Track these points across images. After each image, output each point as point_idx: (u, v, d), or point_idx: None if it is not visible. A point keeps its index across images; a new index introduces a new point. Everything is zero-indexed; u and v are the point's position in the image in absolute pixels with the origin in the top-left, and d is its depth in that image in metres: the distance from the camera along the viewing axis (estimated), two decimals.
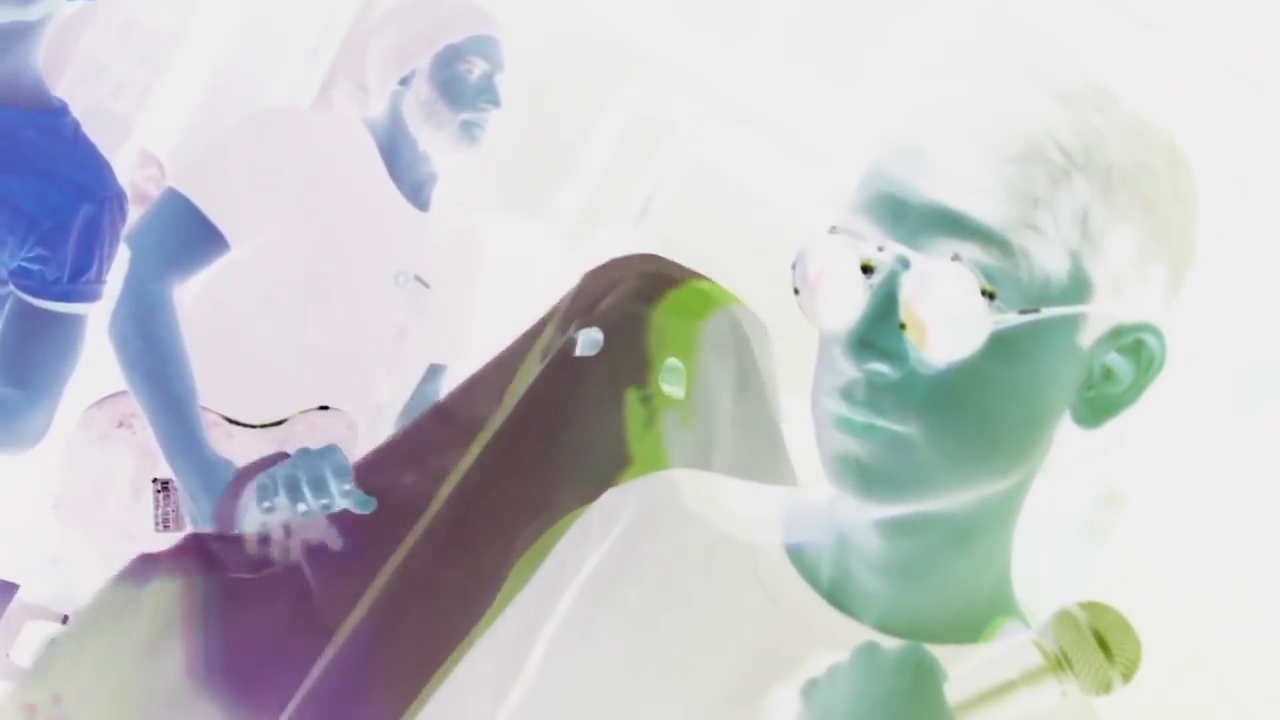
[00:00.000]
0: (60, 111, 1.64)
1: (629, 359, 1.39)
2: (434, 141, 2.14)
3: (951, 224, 0.76)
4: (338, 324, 2.08)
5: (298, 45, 3.58)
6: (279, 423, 2.04)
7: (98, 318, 1.76)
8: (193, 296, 2.05)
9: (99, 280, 1.68)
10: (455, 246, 2.25)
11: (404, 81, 2.13)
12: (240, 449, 2.02)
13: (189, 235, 1.99)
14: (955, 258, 0.75)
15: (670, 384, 1.39)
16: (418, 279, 2.16)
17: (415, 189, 2.19)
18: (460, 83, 2.12)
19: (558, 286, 1.49)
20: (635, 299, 1.43)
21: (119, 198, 1.66)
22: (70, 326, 1.69)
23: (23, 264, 1.62)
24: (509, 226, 2.97)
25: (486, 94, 2.13)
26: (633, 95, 4.37)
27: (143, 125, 2.91)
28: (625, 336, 1.40)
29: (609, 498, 1.00)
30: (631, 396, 1.39)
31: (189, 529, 1.99)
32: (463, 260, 2.28)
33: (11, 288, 1.65)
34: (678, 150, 5.11)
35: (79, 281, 1.66)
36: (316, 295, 2.06)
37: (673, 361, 1.40)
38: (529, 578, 1.02)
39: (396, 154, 2.16)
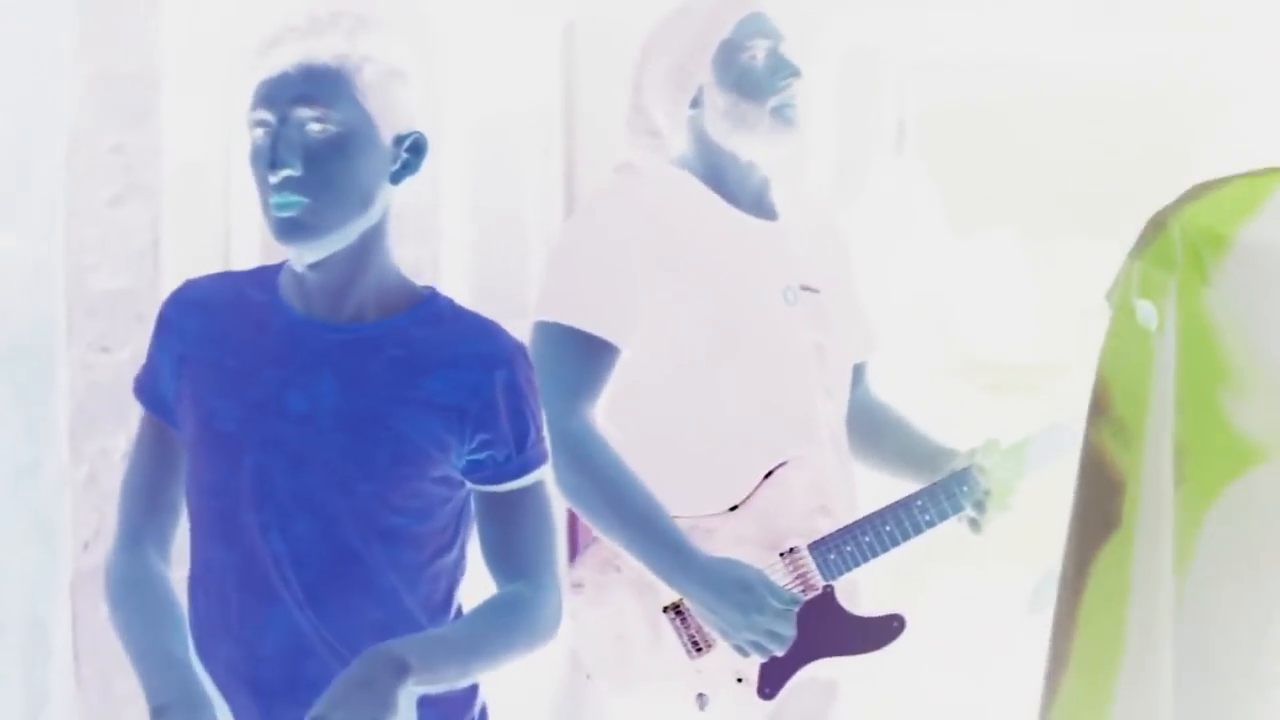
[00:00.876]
0: (432, 296, 1.54)
1: None
2: (753, 144, 1.96)
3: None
4: (756, 372, 1.91)
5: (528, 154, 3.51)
6: (748, 498, 1.88)
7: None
8: (605, 415, 1.92)
9: (541, 439, 1.55)
10: (819, 240, 2.05)
11: (695, 104, 1.96)
12: (725, 542, 1.88)
13: (579, 359, 1.86)
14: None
15: None
16: (804, 288, 1.97)
17: (756, 202, 2.02)
18: (751, 74, 1.95)
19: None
20: None
21: (520, 350, 1.54)
22: (539, 496, 1.57)
23: (470, 459, 1.51)
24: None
25: (781, 71, 1.95)
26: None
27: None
28: None
29: None
30: None
31: (722, 640, 1.85)
32: (834, 250, 2.08)
33: (470, 487, 1.54)
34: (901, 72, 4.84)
35: (526, 448, 1.53)
36: (722, 354, 1.89)
37: None
38: None
39: (722, 178, 1.99)
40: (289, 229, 1.42)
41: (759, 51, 1.94)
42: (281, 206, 1.41)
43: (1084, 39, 4.19)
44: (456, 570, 1.56)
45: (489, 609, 1.53)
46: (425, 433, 1.47)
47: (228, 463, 1.46)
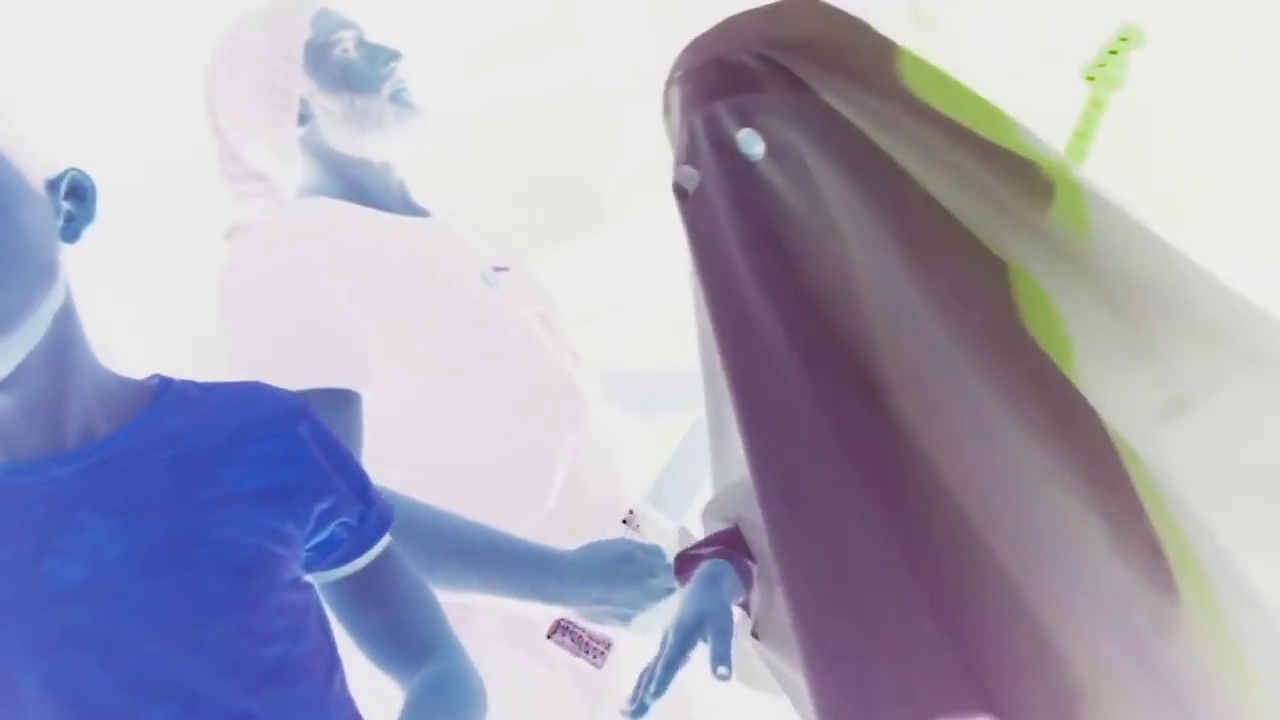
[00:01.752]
0: (165, 383, 1.17)
1: None
2: (383, 141, 1.71)
3: None
4: (499, 361, 1.66)
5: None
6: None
7: None
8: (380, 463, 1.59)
9: (374, 486, 1.23)
10: (470, 225, 1.84)
11: (303, 120, 1.69)
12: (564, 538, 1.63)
13: (335, 418, 1.51)
14: None
15: None
16: (496, 269, 1.75)
17: (405, 203, 1.77)
18: (354, 67, 1.71)
19: None
20: None
21: (303, 400, 1.20)
22: (398, 554, 1.24)
23: (315, 544, 1.16)
24: None
25: (380, 56, 1.73)
26: None
27: None
28: None
29: None
30: None
31: (613, 637, 1.63)
32: (486, 231, 1.87)
33: (319, 581, 1.19)
34: None
35: (372, 501, 1.21)
36: (458, 358, 1.63)
37: None
38: None
39: (364, 189, 1.72)
40: None
41: (348, 44, 1.71)
42: None
43: None
44: (345, 689, 1.21)
45: (433, 702, 1.19)
46: (256, 530, 1.11)
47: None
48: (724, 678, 1.18)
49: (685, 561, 1.35)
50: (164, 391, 1.16)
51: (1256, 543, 1.15)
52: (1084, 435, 1.15)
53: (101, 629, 1.03)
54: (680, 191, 1.26)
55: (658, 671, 1.19)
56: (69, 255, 1.10)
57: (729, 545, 1.33)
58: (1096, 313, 1.19)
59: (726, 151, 1.22)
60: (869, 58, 1.24)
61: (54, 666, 1.02)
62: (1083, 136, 2.10)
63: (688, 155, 1.25)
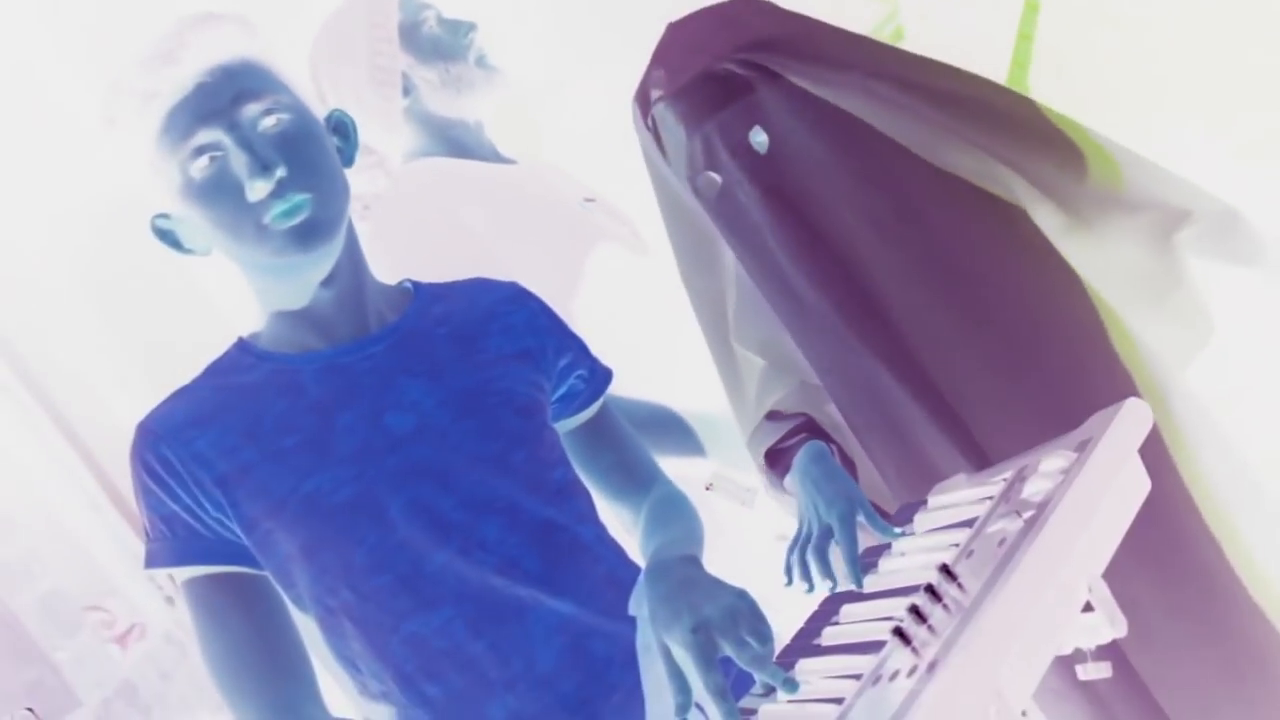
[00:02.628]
0: (416, 285, 1.44)
1: None
2: (475, 103, 1.95)
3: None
4: (608, 276, 1.91)
5: None
6: None
7: None
8: None
9: (589, 349, 1.48)
10: (544, 167, 2.08)
11: (406, 92, 1.92)
12: None
13: None
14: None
15: None
16: (586, 199, 2.00)
17: (496, 154, 2.01)
18: (440, 40, 1.94)
19: None
20: None
21: (518, 284, 1.47)
22: (612, 408, 1.49)
23: (561, 394, 1.43)
24: None
25: (460, 29, 1.96)
26: None
27: None
28: None
29: None
30: None
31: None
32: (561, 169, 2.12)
33: (563, 429, 1.43)
34: None
35: (593, 356, 1.46)
36: (579, 276, 1.87)
37: None
38: None
39: (466, 146, 1.96)
40: (306, 235, 1.24)
41: (432, 21, 1.95)
42: (290, 212, 1.22)
43: None
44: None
45: (671, 514, 1.42)
46: (526, 381, 1.35)
47: (372, 529, 1.24)
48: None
49: (776, 455, 1.55)
50: (419, 289, 1.41)
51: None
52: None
53: (438, 461, 1.27)
54: (701, 194, 1.48)
55: (847, 565, 1.34)
56: None
57: (809, 430, 1.54)
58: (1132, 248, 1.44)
59: (743, 152, 1.45)
60: (829, 42, 1.44)
61: (412, 493, 1.25)
62: (1025, 39, 2.38)
63: (706, 162, 1.47)
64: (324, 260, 1.28)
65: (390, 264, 1.81)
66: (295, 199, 1.22)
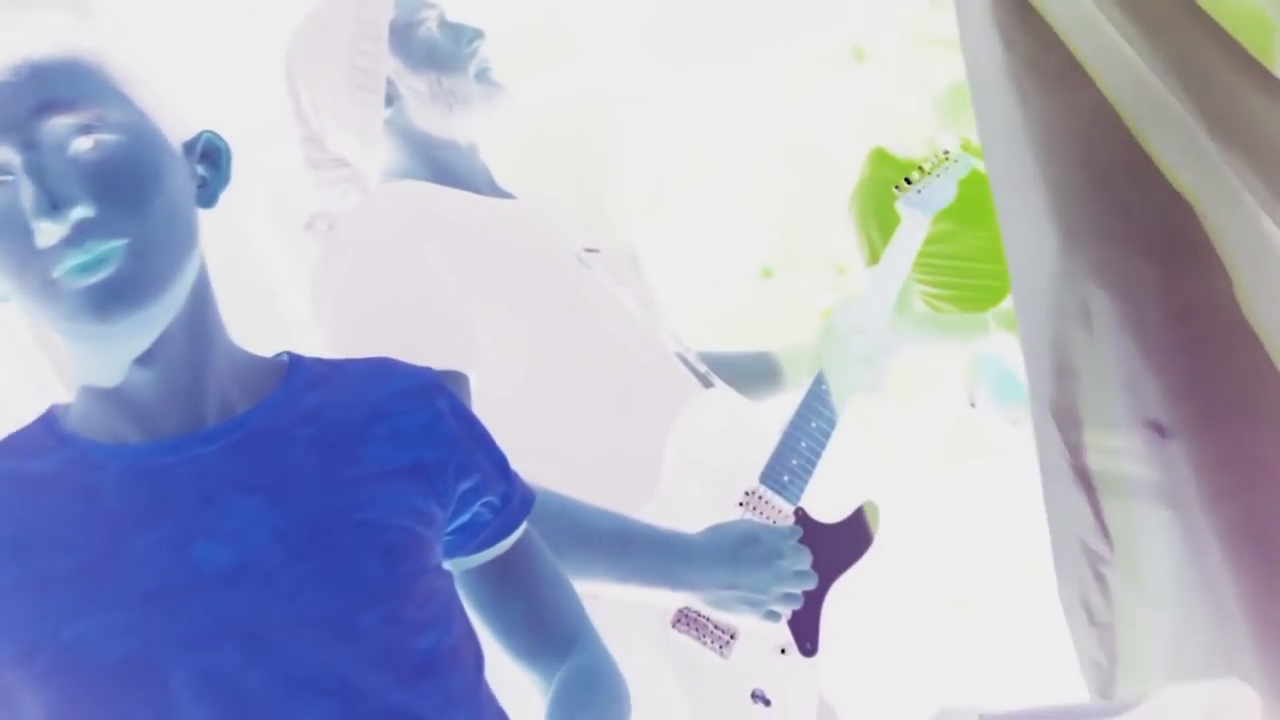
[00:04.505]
0: (295, 360, 1.10)
1: None
2: (469, 122, 1.64)
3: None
4: (597, 344, 1.58)
5: None
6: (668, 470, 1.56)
7: None
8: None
9: (512, 468, 1.14)
10: (553, 206, 1.76)
11: (390, 101, 1.61)
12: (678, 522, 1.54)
13: None
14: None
15: None
16: (588, 250, 1.67)
17: (491, 185, 1.70)
18: (439, 46, 1.63)
19: None
20: None
21: (439, 373, 1.13)
22: (538, 543, 1.16)
23: (458, 526, 1.09)
24: None
25: (464, 35, 1.66)
26: None
27: None
28: None
29: None
30: None
31: (742, 620, 1.54)
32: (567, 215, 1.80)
33: (460, 568, 1.10)
34: None
35: (513, 479, 1.13)
36: (559, 341, 1.55)
37: None
38: None
39: (453, 172, 1.64)
40: (107, 299, 0.93)
41: (432, 23, 1.64)
42: (88, 267, 0.92)
43: None
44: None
45: (587, 697, 1.11)
46: (402, 510, 1.02)
47: (145, 705, 0.93)
48: None
49: None
50: (295, 367, 1.08)
51: None
52: None
53: (253, 618, 0.95)
54: None
55: None
56: None
57: None
58: None
59: None
60: None
61: (208, 659, 0.93)
62: None
63: None
64: (137, 333, 0.97)
65: (332, 300, 1.51)
66: (99, 249, 0.92)
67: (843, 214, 2.90)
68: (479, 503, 1.08)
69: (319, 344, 1.47)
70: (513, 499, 1.12)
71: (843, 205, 2.90)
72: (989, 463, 2.88)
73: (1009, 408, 1.94)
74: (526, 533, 1.13)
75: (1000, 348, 2.05)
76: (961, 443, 2.99)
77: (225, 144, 1.04)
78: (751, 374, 1.83)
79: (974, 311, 2.31)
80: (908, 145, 2.54)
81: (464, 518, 1.08)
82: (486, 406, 1.46)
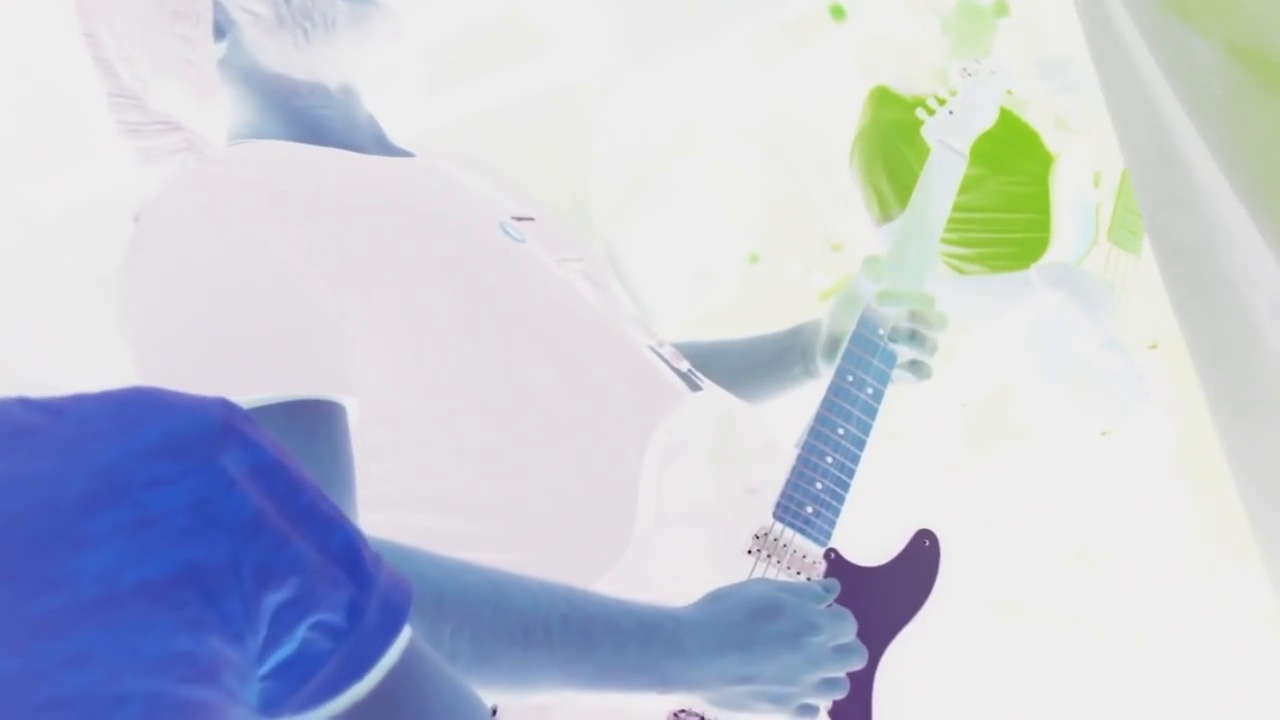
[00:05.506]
0: None
1: None
2: (338, 53, 1.25)
3: None
4: (536, 342, 1.17)
5: None
6: (649, 508, 1.14)
7: None
8: (388, 507, 1.10)
9: (370, 549, 0.74)
10: (471, 164, 1.37)
11: (221, 33, 1.23)
12: (670, 584, 1.13)
13: (315, 441, 1.02)
14: None
15: None
16: (517, 219, 1.28)
17: (379, 140, 1.31)
18: None
19: None
20: None
21: (228, 406, 0.70)
22: (425, 665, 0.76)
23: (279, 663, 0.68)
24: None
25: None
26: None
27: None
28: None
29: None
30: None
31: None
32: (494, 173, 1.40)
33: None
34: None
35: (364, 576, 0.72)
36: (482, 342, 1.14)
37: None
38: None
39: (319, 125, 1.25)
40: None
41: None
42: None
43: None
44: None
45: None
46: (152, 664, 0.61)
47: None
48: None
49: None
50: None
51: None
52: None
53: None
54: None
55: None
56: None
57: None
58: None
59: None
60: None
61: None
62: None
63: None
64: None
65: (137, 306, 1.11)
66: None
67: (834, 182, 2.60)
68: (305, 624, 0.68)
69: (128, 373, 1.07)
70: (367, 611, 0.71)
71: (831, 178, 2.60)
72: (1023, 446, 2.55)
73: None
74: (406, 654, 0.74)
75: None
76: (990, 426, 2.65)
77: None
78: (750, 364, 1.44)
79: (1009, 270, 1.97)
80: (914, 80, 2.19)
81: (285, 650, 0.68)
82: (371, 443, 1.09)
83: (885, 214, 2.20)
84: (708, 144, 3.64)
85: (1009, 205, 2.13)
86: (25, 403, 0.67)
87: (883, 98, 2.29)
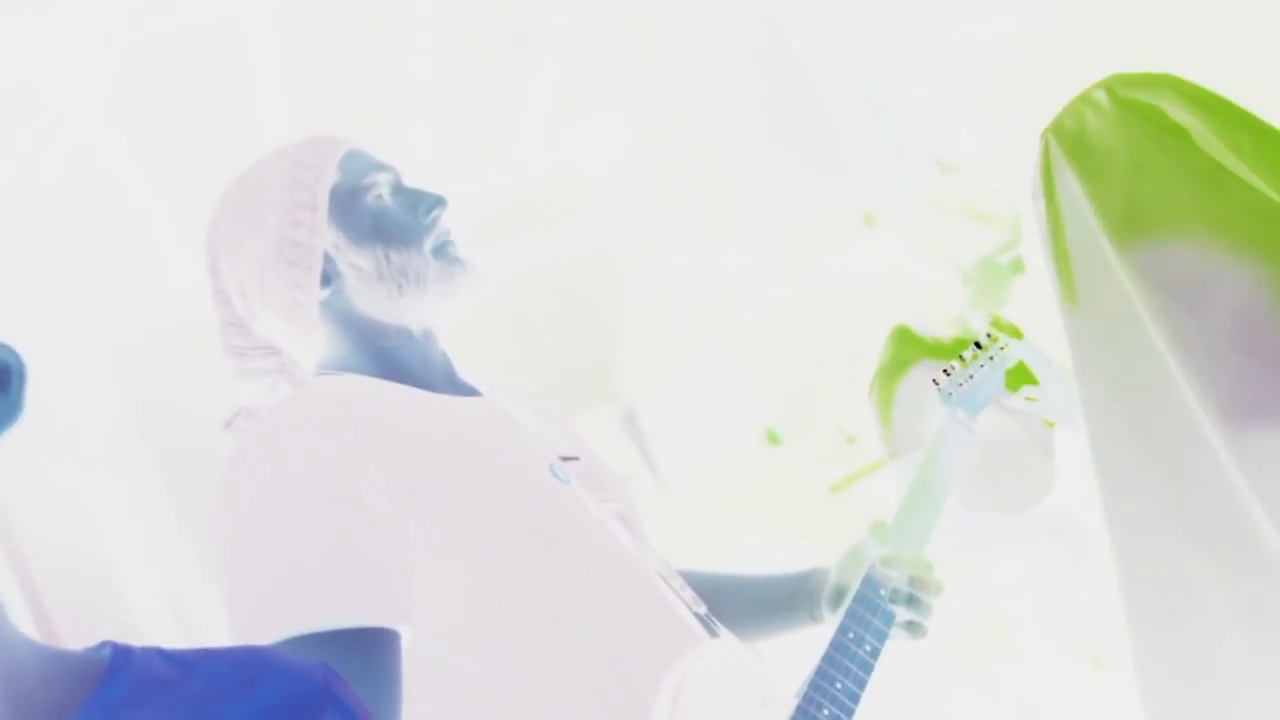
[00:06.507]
0: (118, 654, 0.81)
1: None
2: (425, 304, 1.43)
3: None
4: (578, 584, 1.33)
5: None
6: None
7: None
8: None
9: None
10: (528, 402, 1.53)
11: (327, 281, 1.40)
12: None
13: (371, 670, 1.17)
14: None
15: None
16: (564, 459, 1.44)
17: (450, 380, 1.48)
18: (390, 216, 1.43)
19: None
20: None
21: (325, 667, 0.86)
22: None
23: None
24: None
25: (422, 203, 1.44)
26: None
27: None
28: None
29: None
30: None
31: None
32: (549, 409, 1.57)
33: None
34: None
35: None
36: (528, 583, 1.30)
37: None
38: None
39: (401, 364, 1.43)
40: None
41: (383, 189, 1.43)
42: None
43: None
44: None
45: None
46: None
47: None
48: None
49: None
50: (117, 670, 0.80)
51: None
52: None
53: None
54: None
55: None
56: None
57: None
58: None
59: None
60: None
61: None
62: None
63: None
64: None
65: (230, 523, 1.28)
66: None
67: (855, 384, 2.73)
68: None
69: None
70: None
71: (852, 371, 2.74)
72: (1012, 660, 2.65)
73: None
74: None
75: None
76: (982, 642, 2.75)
77: (17, 359, 0.79)
78: (759, 605, 1.58)
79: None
80: (934, 325, 2.36)
81: None
82: (423, 673, 1.23)
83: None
84: (736, 322, 3.81)
85: None
86: (163, 654, 0.82)
87: (904, 338, 2.46)
